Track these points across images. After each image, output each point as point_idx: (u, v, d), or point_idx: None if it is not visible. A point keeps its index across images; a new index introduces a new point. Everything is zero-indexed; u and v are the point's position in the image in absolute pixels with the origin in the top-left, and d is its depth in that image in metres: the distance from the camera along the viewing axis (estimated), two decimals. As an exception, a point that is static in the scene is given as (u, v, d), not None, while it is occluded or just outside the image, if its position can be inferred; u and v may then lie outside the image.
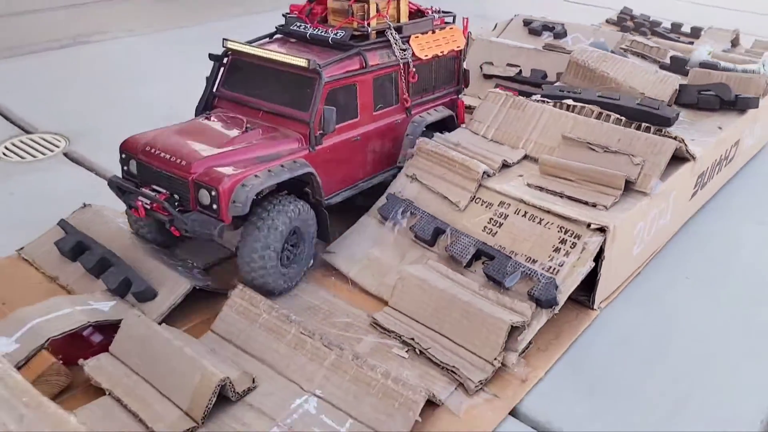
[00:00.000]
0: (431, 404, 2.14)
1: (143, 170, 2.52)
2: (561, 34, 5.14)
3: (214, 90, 2.91)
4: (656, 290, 2.84)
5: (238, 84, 2.86)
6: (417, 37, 3.09)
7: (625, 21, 5.86)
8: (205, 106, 2.88)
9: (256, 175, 2.40)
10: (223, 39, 2.84)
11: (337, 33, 2.83)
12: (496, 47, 4.74)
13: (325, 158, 2.71)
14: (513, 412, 2.20)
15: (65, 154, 3.70)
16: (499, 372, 2.31)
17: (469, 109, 3.61)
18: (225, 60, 2.90)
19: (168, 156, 2.44)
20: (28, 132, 3.90)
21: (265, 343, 2.32)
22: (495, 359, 2.29)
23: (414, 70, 3.04)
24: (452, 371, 2.26)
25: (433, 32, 3.18)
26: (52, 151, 3.72)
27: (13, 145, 3.75)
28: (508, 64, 4.59)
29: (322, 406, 2.12)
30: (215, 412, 2.05)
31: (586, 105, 3.20)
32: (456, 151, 2.98)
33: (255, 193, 2.36)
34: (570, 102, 3.26)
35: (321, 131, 2.63)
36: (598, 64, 3.82)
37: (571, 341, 2.50)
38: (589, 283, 2.60)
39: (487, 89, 4.31)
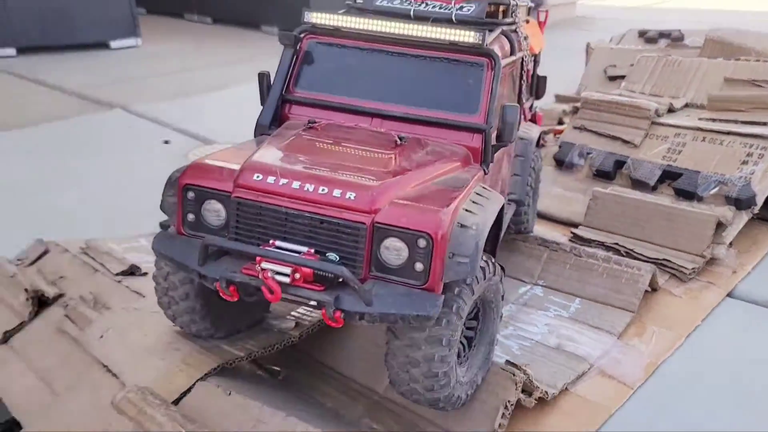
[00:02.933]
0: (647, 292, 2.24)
1: (249, 216, 1.48)
2: (679, 38, 5.32)
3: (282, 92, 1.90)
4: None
5: (326, 80, 1.89)
6: (527, 22, 2.29)
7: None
8: (274, 117, 1.88)
9: (466, 209, 1.48)
10: (305, 12, 1.87)
11: (463, 7, 1.91)
12: (617, 52, 4.97)
13: (490, 182, 1.83)
14: (729, 295, 2.27)
15: (244, 155, 4.14)
16: (708, 266, 2.40)
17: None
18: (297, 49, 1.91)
19: (312, 186, 1.44)
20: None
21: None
22: (704, 252, 2.38)
23: (529, 64, 2.25)
24: (662, 264, 2.37)
25: (527, 22, 2.33)
26: (232, 153, 4.17)
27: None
28: (632, 65, 4.80)
29: (547, 291, 2.27)
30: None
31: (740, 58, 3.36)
32: (622, 96, 3.19)
33: (484, 240, 1.46)
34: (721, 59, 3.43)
35: (498, 142, 1.77)
36: (734, 38, 3.98)
37: (771, 245, 2.57)
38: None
39: (612, 90, 4.56)
